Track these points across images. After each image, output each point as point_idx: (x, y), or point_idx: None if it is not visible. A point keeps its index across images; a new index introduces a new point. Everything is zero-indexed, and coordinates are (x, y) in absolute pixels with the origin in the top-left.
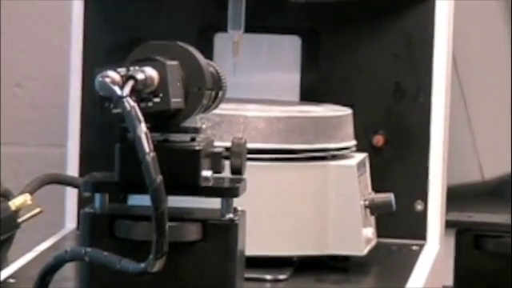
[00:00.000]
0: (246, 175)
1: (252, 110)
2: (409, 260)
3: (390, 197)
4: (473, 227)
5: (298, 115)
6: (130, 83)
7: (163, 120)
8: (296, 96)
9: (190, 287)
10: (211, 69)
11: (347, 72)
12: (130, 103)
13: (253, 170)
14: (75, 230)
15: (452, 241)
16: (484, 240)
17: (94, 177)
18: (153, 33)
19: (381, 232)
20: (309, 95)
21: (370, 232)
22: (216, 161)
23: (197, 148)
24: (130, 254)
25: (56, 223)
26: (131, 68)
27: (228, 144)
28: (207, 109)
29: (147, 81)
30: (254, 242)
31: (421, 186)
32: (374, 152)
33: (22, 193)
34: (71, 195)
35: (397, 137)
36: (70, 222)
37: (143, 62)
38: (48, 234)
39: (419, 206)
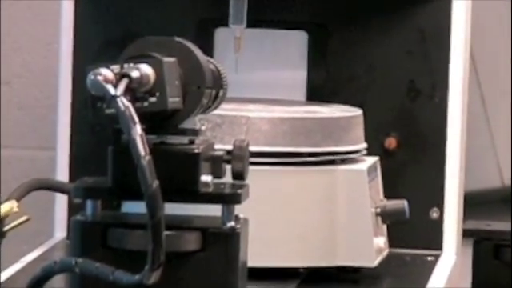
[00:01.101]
0: (248, 180)
1: (255, 111)
2: (423, 271)
3: (402, 204)
4: (492, 236)
5: (305, 116)
6: (124, 81)
7: (160, 121)
8: (302, 95)
9: None
10: (211, 66)
11: (357, 70)
12: (124, 103)
13: (256, 175)
14: (65, 240)
15: (470, 251)
16: (504, 250)
17: (85, 182)
18: (148, 27)
19: (393, 241)
20: (316, 94)
21: (381, 241)
22: (216, 165)
23: (196, 151)
24: (123, 265)
25: (44, 232)
26: (125, 65)
27: (229, 147)
28: (207, 109)
29: (142, 79)
30: (257, 252)
31: (436, 192)
32: (385, 155)
33: (7, 199)
34: (61, 202)
35: (410, 139)
36: (60, 231)
37: (138, 58)
38: (36, 244)
39: (434, 214)
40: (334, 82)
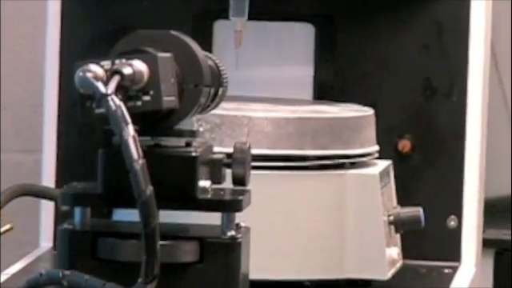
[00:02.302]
0: (250, 186)
1: (257, 110)
2: (440, 285)
3: (418, 211)
4: None
5: (311, 116)
6: (116, 79)
7: (154, 122)
8: (309, 94)
9: None
10: (210, 62)
11: (369, 66)
12: (116, 102)
13: (258, 180)
14: (51, 250)
15: (490, 262)
16: None
17: (73, 188)
18: (142, 20)
19: (407, 252)
20: (324, 93)
21: (394, 252)
22: (215, 169)
23: (193, 154)
24: (115, 278)
25: (29, 241)
26: (117, 61)
27: (229, 150)
28: (205, 109)
29: (135, 76)
30: (260, 264)
31: (454, 199)
32: (399, 159)
33: None
34: (47, 209)
35: (426, 141)
36: (46, 241)
37: (130, 54)
38: (20, 255)
39: (452, 223)
40: (343, 80)
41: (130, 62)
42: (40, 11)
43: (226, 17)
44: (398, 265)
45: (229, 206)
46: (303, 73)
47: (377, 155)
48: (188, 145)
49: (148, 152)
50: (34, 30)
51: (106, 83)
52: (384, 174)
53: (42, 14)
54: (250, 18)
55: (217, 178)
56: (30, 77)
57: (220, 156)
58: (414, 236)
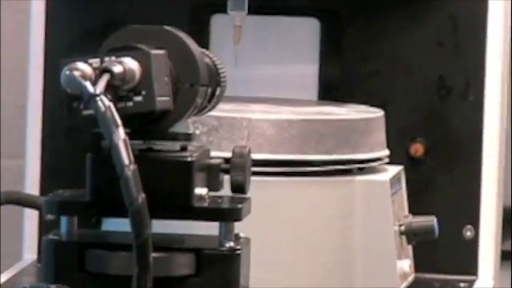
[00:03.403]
0: (250, 193)
1: (258, 112)
2: None
3: (431, 221)
4: None
5: (316, 118)
6: (105, 78)
7: (146, 124)
8: (313, 94)
9: None
10: (207, 60)
11: (378, 64)
12: (105, 103)
13: (259, 187)
14: (35, 263)
15: (509, 275)
16: None
17: (59, 195)
18: (133, 14)
19: (420, 265)
20: (330, 93)
21: (406, 265)
22: (213, 175)
23: (189, 159)
24: None
25: (12, 253)
26: (106, 59)
27: (228, 154)
28: (202, 110)
29: (126, 75)
30: (261, 278)
31: (470, 208)
32: (411, 164)
33: None
34: (31, 218)
35: (440, 145)
36: (30, 253)
37: (121, 51)
38: (2, 267)
39: (468, 233)
40: (350, 79)
41: (120, 59)
42: (24, 5)
43: (225, 11)
44: (410, 278)
45: (227, 214)
46: (307, 71)
47: (387, 160)
48: (183, 149)
49: (140, 157)
50: (17, 25)
51: (94, 82)
52: (395, 180)
53: (25, 8)
54: (250, 12)
55: (214, 185)
56: (13, 75)
57: (218, 161)
58: (427, 247)
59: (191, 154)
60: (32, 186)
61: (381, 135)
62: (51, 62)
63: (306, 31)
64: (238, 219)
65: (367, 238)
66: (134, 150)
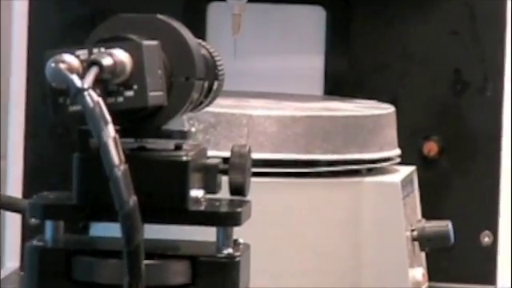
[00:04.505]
0: (250, 196)
1: (259, 108)
2: None
3: (446, 226)
4: None
5: (322, 114)
6: (93, 71)
7: (138, 121)
8: (319, 88)
9: None
10: (203, 51)
11: (388, 56)
12: (94, 98)
13: (260, 189)
14: (18, 271)
15: None
16: None
17: (43, 198)
18: (123, 2)
19: (434, 273)
20: (336, 87)
21: (418, 273)
22: (210, 176)
23: (184, 159)
24: None
25: None
26: (94, 50)
27: (226, 153)
28: (198, 105)
29: (116, 67)
30: (262, 286)
31: (488, 212)
32: (424, 164)
33: None
34: (13, 223)
35: (456, 144)
36: (11, 260)
37: (111, 41)
38: None
39: (486, 239)
40: (358, 72)
41: (109, 51)
42: None
43: None
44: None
45: (225, 219)
46: (312, 64)
47: (398, 160)
48: (178, 148)
49: (131, 156)
50: None
51: (81, 76)
52: (407, 181)
53: None
54: None
55: (211, 187)
56: None
57: (215, 161)
58: (442, 254)
59: (186, 154)
60: (14, 187)
61: (391, 133)
62: (35, 54)
63: (310, 20)
64: (237, 224)
65: (377, 244)
66: (124, 148)
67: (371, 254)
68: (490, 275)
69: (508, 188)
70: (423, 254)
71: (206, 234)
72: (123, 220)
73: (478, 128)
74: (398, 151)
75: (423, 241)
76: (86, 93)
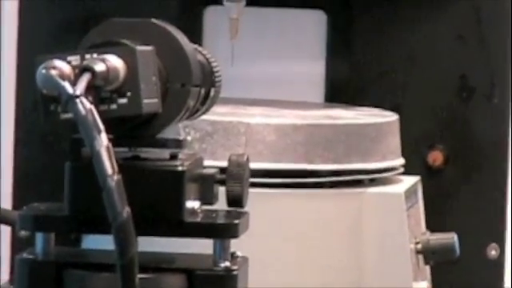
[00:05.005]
0: (248, 207)
1: (257, 116)
2: None
3: (451, 238)
4: None
5: (323, 122)
6: (86, 77)
7: (132, 129)
8: (320, 95)
9: None
10: (200, 56)
11: (391, 61)
12: (86, 105)
13: (258, 200)
14: (8, 284)
15: None
16: None
17: (34, 209)
18: (116, 6)
19: (440, 287)
20: (337, 94)
21: (423, 287)
22: (206, 187)
23: (179, 169)
24: None
25: None
26: (87, 56)
27: (224, 163)
28: (194, 113)
29: (109, 74)
30: None
31: (495, 224)
32: (429, 174)
33: None
34: (3, 235)
35: (462, 153)
36: (1, 273)
37: (104, 47)
38: None
39: (493, 252)
40: (360, 78)
41: (102, 56)
42: None
43: (219, 1)
44: None
45: (222, 231)
46: (313, 70)
47: (402, 170)
48: (173, 157)
49: (125, 166)
50: None
51: (73, 82)
52: (410, 192)
53: None
54: (250, 2)
55: (208, 198)
56: None
57: (212, 171)
58: (447, 268)
59: (182, 163)
60: (4, 198)
61: (395, 142)
62: (25, 60)
63: (311, 24)
64: (235, 236)
65: (379, 257)
66: (117, 158)
67: (374, 267)
68: None
69: None
70: (428, 268)
71: (203, 246)
72: (116, 232)
73: (484, 136)
74: (401, 161)
75: (428, 254)
76: (77, 100)
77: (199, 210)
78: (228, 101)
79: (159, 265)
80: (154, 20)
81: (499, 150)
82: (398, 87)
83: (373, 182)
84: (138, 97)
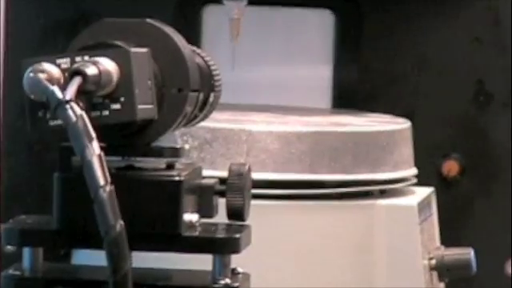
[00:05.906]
0: (250, 220)
1: (259, 123)
2: None
3: (467, 254)
4: None
5: (330, 130)
6: (76, 81)
7: (126, 137)
8: (327, 101)
9: None
10: (198, 59)
11: (403, 65)
12: (76, 111)
13: (261, 213)
14: None
15: None
16: None
17: (21, 222)
18: (109, 5)
19: None
20: (346, 99)
21: None
22: (205, 198)
23: (176, 179)
24: None
25: None
26: (77, 58)
27: (224, 173)
28: (192, 120)
29: (101, 78)
30: None
31: None
32: (444, 186)
33: None
34: None
35: (478, 163)
36: None
37: (95, 49)
38: None
39: (511, 268)
40: (370, 82)
41: (94, 59)
42: None
43: (219, 0)
44: None
45: (222, 246)
46: (319, 74)
47: (415, 181)
48: (170, 167)
49: (118, 176)
50: None
51: (63, 87)
52: (424, 205)
53: None
54: (250, 2)
55: (207, 210)
56: None
57: (211, 181)
58: (463, 285)
59: (179, 173)
60: None
61: (407, 151)
62: (11, 62)
63: (318, 25)
64: (236, 251)
65: (391, 274)
66: (110, 167)
67: (384, 285)
68: None
69: None
70: (442, 286)
71: (201, 262)
72: (109, 247)
73: (502, 145)
74: (414, 171)
75: (442, 270)
76: (67, 106)
77: (197, 224)
78: (228, 107)
79: (155, 282)
80: (149, 20)
81: None
82: (411, 92)
83: (383, 194)
84: (132, 102)
